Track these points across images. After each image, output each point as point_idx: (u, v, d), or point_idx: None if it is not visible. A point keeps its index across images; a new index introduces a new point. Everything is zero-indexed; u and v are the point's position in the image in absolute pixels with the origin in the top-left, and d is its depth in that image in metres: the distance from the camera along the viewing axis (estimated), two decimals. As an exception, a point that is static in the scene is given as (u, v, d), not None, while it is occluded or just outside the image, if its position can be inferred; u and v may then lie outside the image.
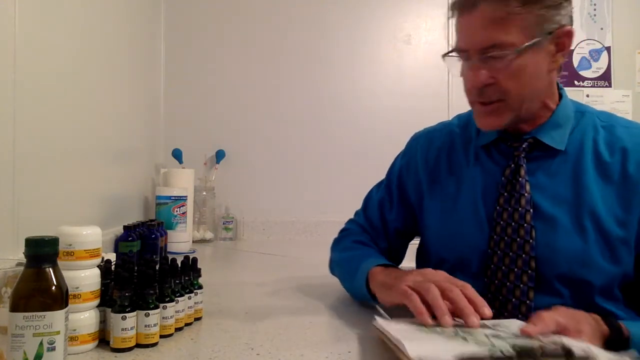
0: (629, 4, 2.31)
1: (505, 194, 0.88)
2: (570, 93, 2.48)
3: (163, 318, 0.77)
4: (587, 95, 2.29)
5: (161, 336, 0.76)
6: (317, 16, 2.15)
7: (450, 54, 0.88)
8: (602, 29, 2.30)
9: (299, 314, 0.93)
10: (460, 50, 0.86)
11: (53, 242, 0.63)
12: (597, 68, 2.30)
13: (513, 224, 0.86)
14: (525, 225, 0.85)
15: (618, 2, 2.30)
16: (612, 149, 0.86)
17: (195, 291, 0.86)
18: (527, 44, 0.80)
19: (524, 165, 0.88)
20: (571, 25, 0.85)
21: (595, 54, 2.30)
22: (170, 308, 0.78)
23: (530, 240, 0.84)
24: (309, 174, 2.13)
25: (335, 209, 2.11)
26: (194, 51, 2.09)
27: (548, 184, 0.86)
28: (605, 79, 2.29)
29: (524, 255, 0.84)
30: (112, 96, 1.45)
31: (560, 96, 0.92)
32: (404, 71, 2.17)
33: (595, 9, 2.30)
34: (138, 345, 0.73)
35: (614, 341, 0.72)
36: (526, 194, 0.86)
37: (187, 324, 0.83)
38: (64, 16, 1.12)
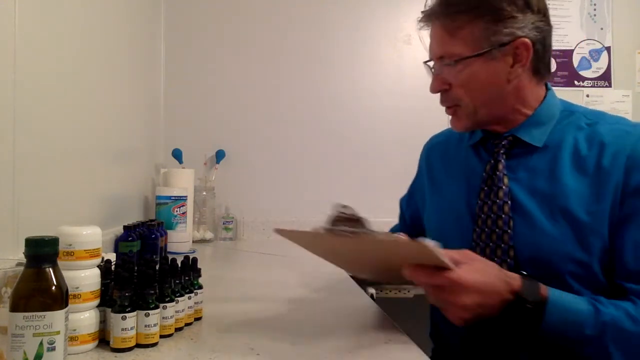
0: (629, 4, 2.31)
1: (486, 188, 0.93)
2: (570, 93, 2.49)
3: (163, 318, 0.77)
4: (587, 95, 2.29)
5: (161, 336, 0.76)
6: (317, 16, 2.15)
7: (426, 62, 0.98)
8: (602, 29, 2.30)
9: (299, 313, 0.93)
10: (429, 58, 0.97)
11: (53, 242, 0.63)
12: (597, 68, 2.30)
13: (492, 215, 0.90)
14: (503, 216, 0.89)
15: (618, 2, 2.30)
16: (591, 143, 0.88)
17: (195, 291, 0.86)
18: (471, 54, 0.88)
19: (502, 160, 0.93)
20: (538, 35, 0.88)
21: (595, 54, 2.30)
22: (170, 308, 0.78)
23: (508, 230, 0.88)
24: (309, 174, 2.13)
25: (335, 209, 2.12)
26: (194, 51, 2.09)
27: (526, 178, 0.90)
28: (605, 79, 2.29)
29: (502, 245, 0.88)
30: (112, 96, 1.45)
31: (545, 97, 0.95)
32: (404, 71, 2.17)
33: (595, 9, 2.30)
34: (138, 345, 0.73)
35: (523, 299, 0.76)
36: (504, 187, 0.90)
37: (187, 324, 0.83)
38: (64, 16, 1.12)
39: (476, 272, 0.75)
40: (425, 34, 0.97)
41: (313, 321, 0.88)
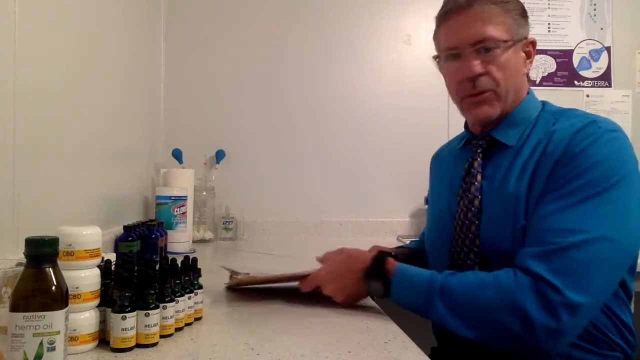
0: (629, 4, 2.31)
1: (463, 185, 1.00)
2: (570, 93, 2.49)
3: (163, 318, 0.77)
4: (587, 95, 2.29)
5: (161, 336, 0.76)
6: (317, 16, 2.15)
7: (442, 54, 1.01)
8: (602, 29, 2.30)
9: (299, 314, 0.93)
10: (451, 48, 0.98)
11: (53, 242, 0.63)
12: (597, 68, 2.30)
13: (464, 209, 0.98)
14: (472, 209, 0.96)
15: (618, 2, 2.30)
16: (545, 137, 0.92)
17: (195, 291, 0.86)
18: (512, 39, 0.95)
19: (478, 159, 1.00)
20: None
21: (595, 54, 2.30)
22: (170, 308, 0.78)
23: (476, 222, 0.95)
24: (309, 174, 2.13)
25: (335, 209, 2.12)
26: (194, 51, 2.09)
27: (493, 174, 0.96)
28: (605, 79, 2.29)
29: (470, 235, 0.95)
30: (112, 96, 1.45)
31: (523, 99, 1.00)
32: (404, 71, 2.17)
33: (595, 9, 2.30)
34: (138, 345, 0.73)
35: (376, 271, 0.91)
36: (476, 183, 0.97)
37: (187, 324, 0.83)
38: (64, 16, 1.12)
39: (330, 265, 0.97)
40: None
41: (313, 321, 0.88)
